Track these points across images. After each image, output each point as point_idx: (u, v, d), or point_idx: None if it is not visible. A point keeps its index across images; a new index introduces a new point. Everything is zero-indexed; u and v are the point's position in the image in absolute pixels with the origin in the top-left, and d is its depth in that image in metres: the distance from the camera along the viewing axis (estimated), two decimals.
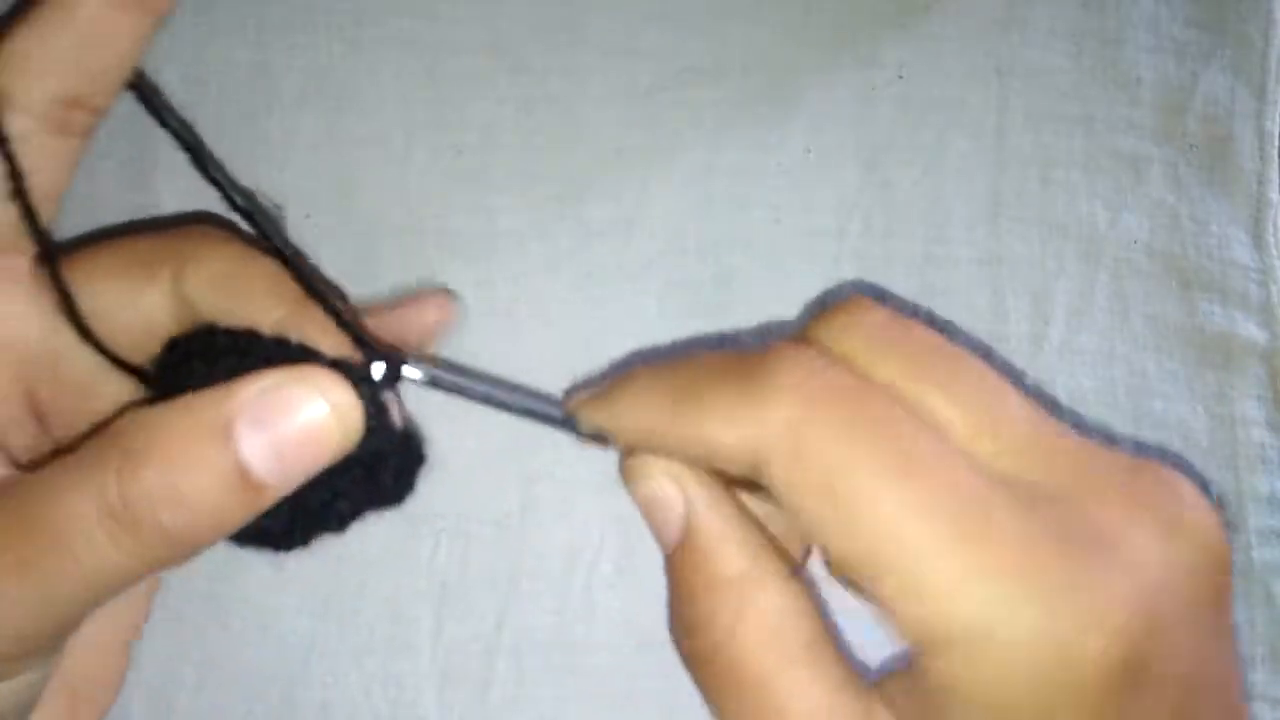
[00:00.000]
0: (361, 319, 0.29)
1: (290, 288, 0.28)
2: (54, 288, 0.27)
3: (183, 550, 0.24)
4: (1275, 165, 0.43)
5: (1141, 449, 0.41)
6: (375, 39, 0.43)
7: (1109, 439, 0.41)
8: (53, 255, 0.27)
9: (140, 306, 0.29)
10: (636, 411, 0.26)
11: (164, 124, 0.27)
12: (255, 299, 0.28)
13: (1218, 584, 0.25)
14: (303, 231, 0.34)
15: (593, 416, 0.27)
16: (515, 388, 0.29)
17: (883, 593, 0.23)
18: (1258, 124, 0.43)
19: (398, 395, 0.28)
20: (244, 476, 0.23)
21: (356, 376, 0.25)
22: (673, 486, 0.26)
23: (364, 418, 0.25)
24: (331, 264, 0.33)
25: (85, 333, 0.28)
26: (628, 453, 0.27)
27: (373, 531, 0.40)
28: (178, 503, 0.23)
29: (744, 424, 0.24)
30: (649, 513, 0.27)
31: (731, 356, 0.25)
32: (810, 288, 0.42)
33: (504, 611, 0.40)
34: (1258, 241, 0.42)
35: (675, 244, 0.42)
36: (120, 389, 0.30)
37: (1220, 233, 0.43)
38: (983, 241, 0.42)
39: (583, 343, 0.40)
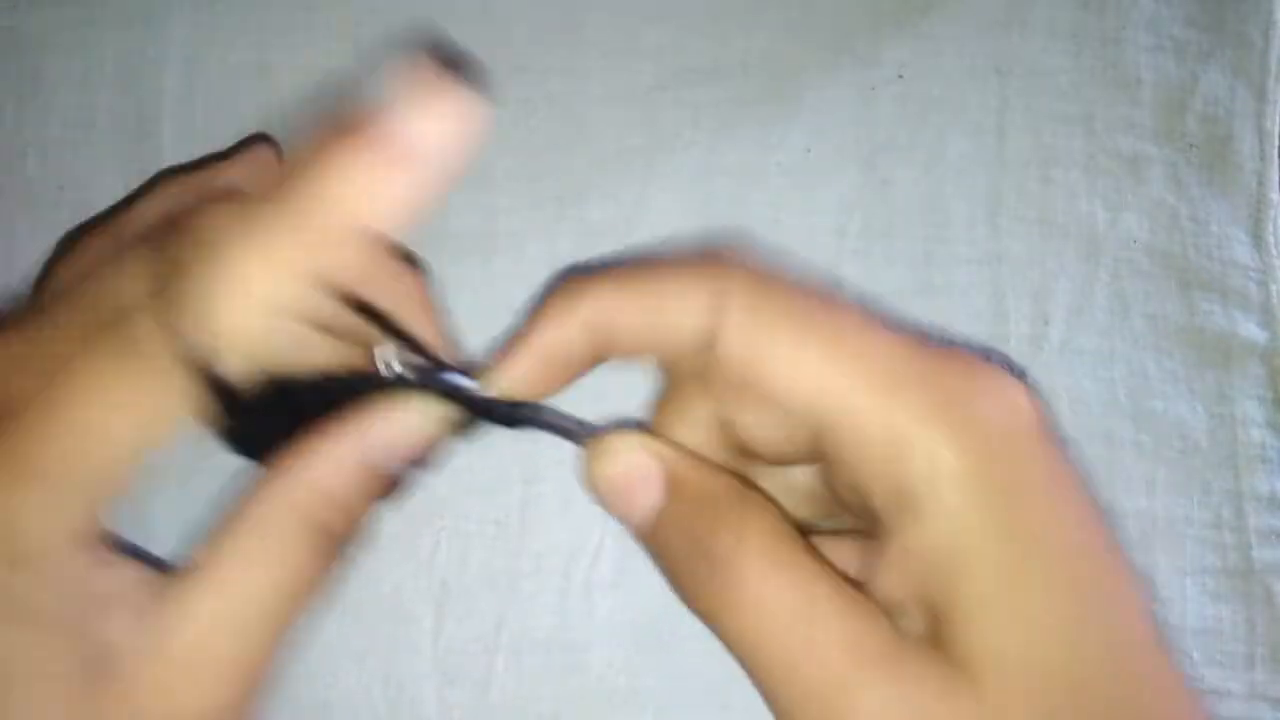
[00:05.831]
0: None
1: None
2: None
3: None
4: (1275, 165, 0.43)
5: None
6: (375, 39, 0.43)
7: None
8: None
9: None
10: (593, 306, 0.29)
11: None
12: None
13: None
14: None
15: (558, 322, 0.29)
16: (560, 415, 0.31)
17: (841, 450, 0.26)
18: (1258, 124, 0.43)
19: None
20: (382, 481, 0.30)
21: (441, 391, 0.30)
22: (644, 454, 0.28)
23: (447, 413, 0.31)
24: None
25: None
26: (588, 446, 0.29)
27: (373, 531, 0.40)
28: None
29: (701, 293, 0.27)
30: (620, 491, 0.28)
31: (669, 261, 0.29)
32: None
33: (504, 611, 0.40)
34: (1258, 241, 0.42)
35: (675, 244, 0.42)
36: None
37: (1220, 233, 0.43)
38: (983, 241, 0.42)
39: None
